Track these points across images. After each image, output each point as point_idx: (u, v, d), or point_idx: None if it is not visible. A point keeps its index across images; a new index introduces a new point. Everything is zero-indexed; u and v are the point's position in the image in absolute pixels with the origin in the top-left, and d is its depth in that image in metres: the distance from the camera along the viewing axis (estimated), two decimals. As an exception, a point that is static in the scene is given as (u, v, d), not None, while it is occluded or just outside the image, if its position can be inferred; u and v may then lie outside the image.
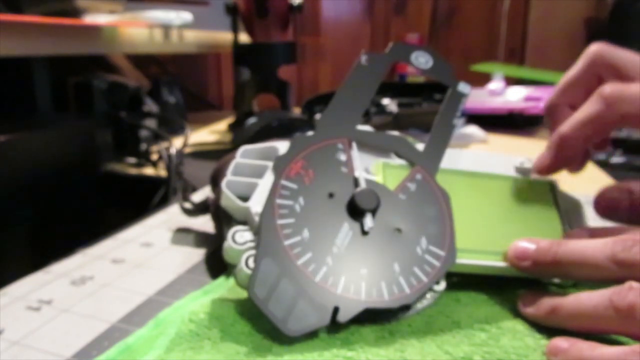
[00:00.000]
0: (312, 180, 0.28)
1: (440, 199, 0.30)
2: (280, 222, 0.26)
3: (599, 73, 0.32)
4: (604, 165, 0.73)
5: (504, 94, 0.93)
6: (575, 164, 0.34)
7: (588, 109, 0.29)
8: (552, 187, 0.33)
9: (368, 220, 0.27)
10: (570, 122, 0.30)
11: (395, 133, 0.32)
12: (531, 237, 0.28)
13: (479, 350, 0.24)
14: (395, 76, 1.19)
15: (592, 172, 0.66)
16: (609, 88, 0.28)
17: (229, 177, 0.30)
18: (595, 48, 0.32)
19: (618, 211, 0.30)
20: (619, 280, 0.23)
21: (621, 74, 0.30)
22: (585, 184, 0.59)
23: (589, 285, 0.29)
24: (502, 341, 0.24)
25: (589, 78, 0.32)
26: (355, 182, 0.29)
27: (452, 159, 0.33)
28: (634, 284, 0.22)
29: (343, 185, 0.29)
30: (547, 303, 0.26)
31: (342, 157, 0.30)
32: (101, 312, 0.28)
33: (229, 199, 0.29)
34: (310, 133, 0.31)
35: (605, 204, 0.31)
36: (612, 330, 0.23)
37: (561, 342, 0.23)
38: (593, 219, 0.44)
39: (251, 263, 0.26)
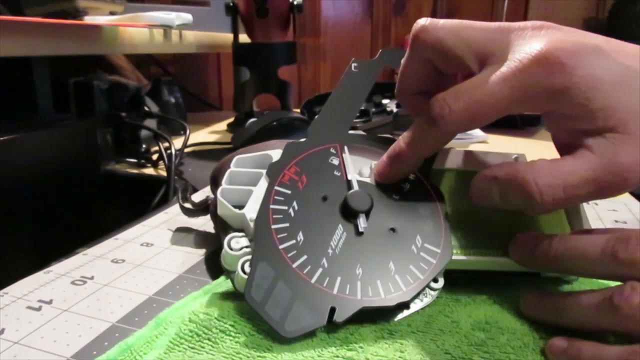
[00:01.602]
0: (305, 185, 0.29)
1: (434, 197, 0.30)
2: (275, 226, 0.27)
3: (428, 57, 0.29)
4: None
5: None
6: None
7: (419, 128, 0.28)
8: None
9: (362, 221, 0.28)
10: (405, 139, 0.29)
11: (388, 135, 0.33)
12: (531, 231, 0.28)
13: (479, 350, 0.24)
14: (395, 76, 1.19)
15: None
16: (437, 107, 0.26)
17: (223, 186, 0.30)
18: (416, 31, 0.29)
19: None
20: (619, 278, 0.23)
21: (449, 59, 0.28)
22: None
23: (588, 281, 0.29)
24: (501, 341, 0.24)
25: (419, 65, 0.30)
26: (349, 184, 0.29)
27: (448, 158, 0.33)
28: (636, 284, 0.22)
29: (336, 188, 0.29)
30: (549, 302, 0.26)
31: (335, 161, 0.30)
32: (101, 312, 0.28)
33: (225, 207, 0.29)
34: (302, 140, 0.31)
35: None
36: (614, 329, 0.23)
37: (560, 341, 0.23)
38: (591, 218, 0.44)
39: (247, 268, 0.26)
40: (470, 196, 0.27)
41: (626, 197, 0.53)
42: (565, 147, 0.27)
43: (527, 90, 0.25)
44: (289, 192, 0.28)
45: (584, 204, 0.33)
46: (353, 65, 0.34)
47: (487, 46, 0.27)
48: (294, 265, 0.26)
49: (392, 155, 0.29)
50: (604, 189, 0.24)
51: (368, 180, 0.30)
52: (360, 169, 0.31)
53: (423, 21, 0.29)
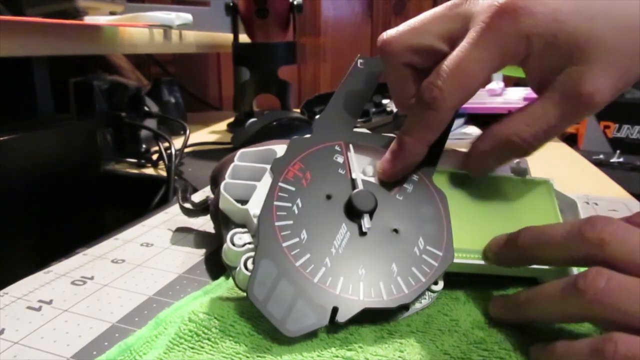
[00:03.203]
0: (309, 182, 0.29)
1: (437, 200, 0.30)
2: (278, 223, 0.27)
3: (404, 62, 0.30)
4: (604, 165, 0.73)
5: (503, 94, 0.93)
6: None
7: (417, 116, 0.29)
8: (549, 187, 0.33)
9: (366, 221, 0.27)
10: (406, 130, 0.29)
11: (392, 135, 0.33)
12: None
13: (478, 348, 0.24)
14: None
15: (592, 172, 0.66)
16: (427, 92, 0.27)
17: (227, 180, 0.30)
18: (380, 46, 0.30)
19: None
20: (586, 261, 0.23)
21: (422, 54, 0.29)
22: (585, 184, 0.59)
23: None
24: (500, 338, 0.24)
25: (400, 73, 0.31)
26: (353, 183, 0.29)
27: (449, 159, 0.33)
28: (600, 268, 0.21)
29: (340, 187, 0.29)
30: (514, 299, 0.26)
31: (340, 159, 0.30)
32: (101, 312, 0.28)
33: (228, 202, 0.29)
34: (307, 136, 0.31)
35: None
36: (581, 316, 0.22)
37: (538, 348, 0.23)
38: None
39: (250, 265, 0.26)
40: (472, 174, 0.31)
41: (626, 197, 0.53)
42: (538, 86, 0.28)
43: (501, 45, 0.26)
44: (293, 188, 0.28)
45: (583, 206, 0.33)
46: (359, 61, 0.34)
47: (447, 25, 0.29)
48: (297, 264, 0.26)
49: (396, 149, 0.30)
50: (574, 117, 0.27)
51: (372, 179, 0.30)
52: (364, 167, 0.31)
53: (382, 36, 0.31)
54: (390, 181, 0.30)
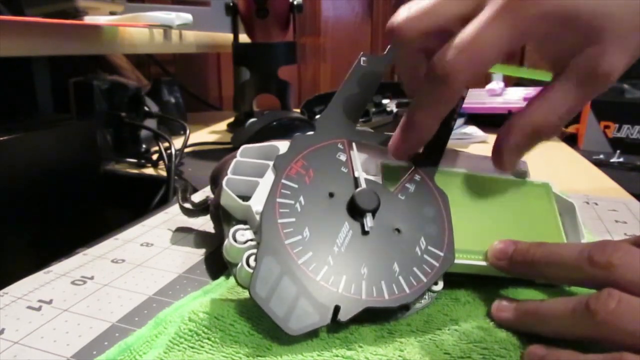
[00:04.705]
0: (312, 179, 0.29)
1: (438, 200, 0.30)
2: (281, 221, 0.26)
3: (419, 47, 0.30)
4: (604, 165, 0.73)
5: (503, 94, 0.93)
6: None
7: (428, 92, 0.28)
8: (548, 189, 0.33)
9: (368, 220, 0.27)
10: (417, 106, 0.28)
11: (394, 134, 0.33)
12: (530, 237, 0.28)
13: (477, 347, 0.24)
14: (395, 76, 1.19)
15: (592, 172, 0.66)
16: (440, 66, 0.26)
17: (229, 176, 0.30)
18: (392, 32, 0.29)
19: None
20: (594, 284, 0.23)
21: (436, 36, 0.28)
22: (585, 184, 0.59)
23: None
24: (500, 338, 0.24)
25: (415, 58, 0.30)
26: (356, 182, 0.29)
27: (450, 160, 0.33)
28: (612, 290, 0.22)
29: (343, 185, 0.29)
30: (522, 308, 0.25)
31: (342, 157, 0.30)
32: (101, 312, 0.28)
33: (230, 198, 0.29)
34: (310, 133, 0.31)
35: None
36: (589, 336, 0.22)
37: (538, 349, 0.23)
38: (591, 218, 0.44)
39: (252, 262, 0.26)
40: (504, 169, 0.30)
41: (626, 197, 0.53)
42: (553, 65, 0.28)
43: (520, 24, 0.25)
44: (295, 186, 0.28)
45: (583, 206, 0.33)
46: (362, 59, 0.34)
47: (461, 5, 0.27)
48: (300, 262, 0.25)
49: (406, 125, 0.29)
50: (592, 96, 0.27)
51: (375, 178, 0.30)
52: (367, 166, 0.30)
53: (393, 23, 0.29)
54: (401, 159, 0.30)
